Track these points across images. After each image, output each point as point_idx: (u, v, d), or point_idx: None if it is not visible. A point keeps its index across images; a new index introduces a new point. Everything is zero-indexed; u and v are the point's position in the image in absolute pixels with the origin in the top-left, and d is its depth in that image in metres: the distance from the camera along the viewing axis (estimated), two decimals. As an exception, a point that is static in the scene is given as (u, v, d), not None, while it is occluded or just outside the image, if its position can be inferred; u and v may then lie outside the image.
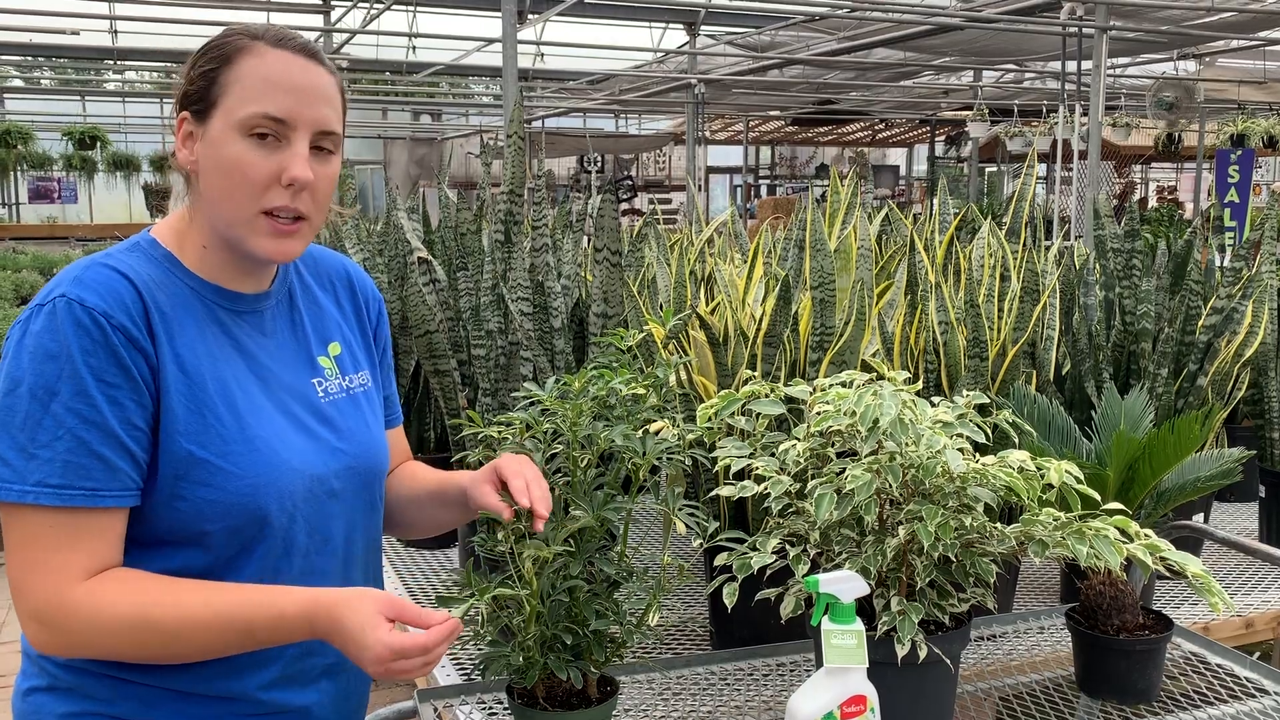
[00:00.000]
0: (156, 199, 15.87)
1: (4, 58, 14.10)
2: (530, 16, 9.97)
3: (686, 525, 1.38)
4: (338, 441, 1.30)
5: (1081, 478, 1.47)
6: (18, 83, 16.48)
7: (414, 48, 12.48)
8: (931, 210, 2.67)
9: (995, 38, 9.49)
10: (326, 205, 1.27)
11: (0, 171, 15.49)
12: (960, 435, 1.51)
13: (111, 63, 14.51)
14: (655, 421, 1.48)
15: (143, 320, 1.15)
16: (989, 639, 1.94)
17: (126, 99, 16.84)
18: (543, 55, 13.49)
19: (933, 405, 1.58)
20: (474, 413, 1.46)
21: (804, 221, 1.98)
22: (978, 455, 1.51)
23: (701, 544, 1.45)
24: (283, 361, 1.29)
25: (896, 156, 23.94)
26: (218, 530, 1.18)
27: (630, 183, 19.43)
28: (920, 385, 1.45)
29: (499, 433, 1.43)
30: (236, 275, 1.27)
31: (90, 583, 1.12)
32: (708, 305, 2.40)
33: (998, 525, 1.48)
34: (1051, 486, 1.44)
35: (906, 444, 1.41)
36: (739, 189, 20.61)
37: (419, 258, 1.92)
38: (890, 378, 1.57)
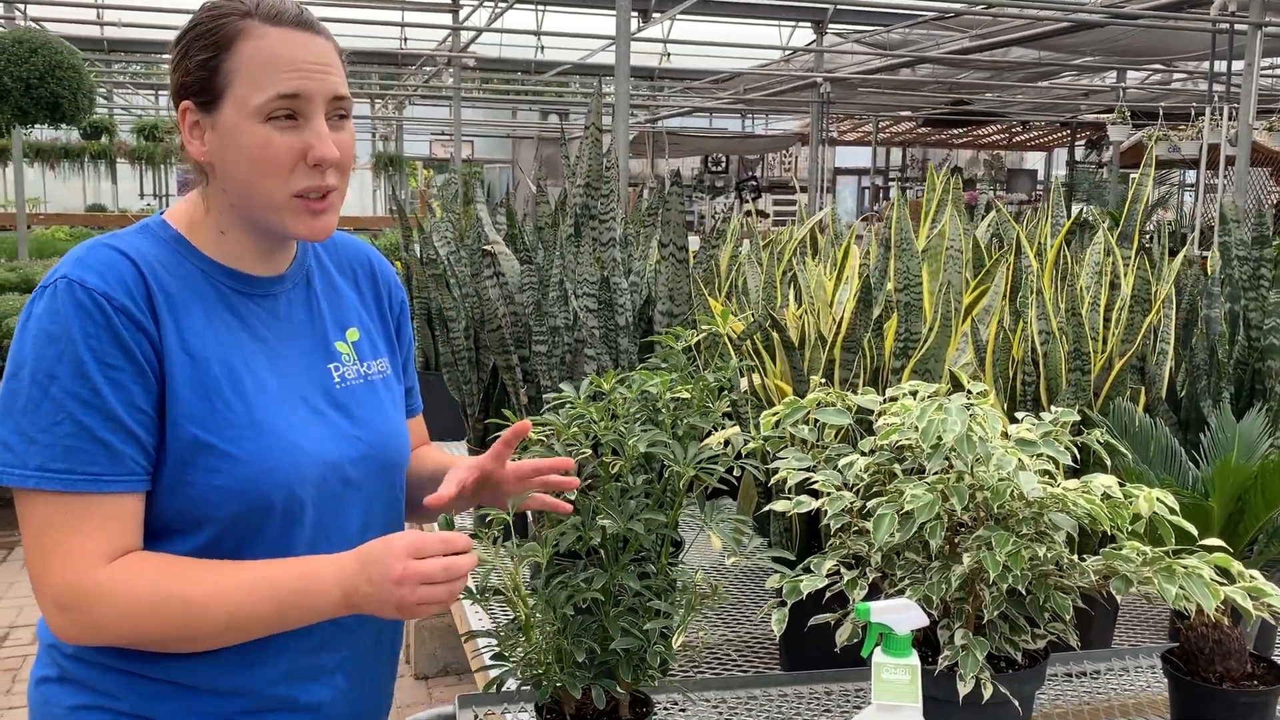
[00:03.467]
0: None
1: (163, 56, 14.74)
2: (655, 15, 9.95)
3: (723, 541, 1.28)
4: (354, 429, 1.26)
5: (1177, 508, 1.32)
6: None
7: (542, 47, 12.62)
8: (1048, 211, 2.50)
9: (1139, 35, 9.03)
10: (350, 168, 1.23)
11: (150, 164, 16.30)
12: (1043, 455, 1.37)
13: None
14: (702, 426, 1.39)
15: (145, 301, 1.12)
16: (1073, 677, 1.78)
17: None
18: (669, 55, 13.46)
19: (1015, 421, 1.44)
20: (509, 412, 1.40)
21: (890, 220, 1.85)
22: (1061, 479, 1.37)
23: (734, 561, 1.35)
24: (297, 346, 1.26)
25: (1034, 160, 23.10)
26: (221, 517, 1.14)
27: (755, 183, 19.24)
28: (992, 398, 1.33)
29: (532, 434, 1.36)
30: (252, 258, 1.23)
31: (110, 566, 1.10)
32: (797, 309, 2.29)
33: (1078, 557, 1.34)
34: (1141, 517, 1.30)
35: (975, 463, 1.29)
36: (866, 191, 20.20)
37: (483, 249, 1.87)
38: (967, 389, 1.44)
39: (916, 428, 1.27)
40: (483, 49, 11.67)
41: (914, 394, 1.39)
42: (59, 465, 1.07)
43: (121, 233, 1.19)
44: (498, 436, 1.33)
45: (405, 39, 12.23)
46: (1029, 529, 1.33)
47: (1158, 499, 1.30)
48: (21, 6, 8.78)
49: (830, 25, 11.00)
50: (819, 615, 1.42)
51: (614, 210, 1.80)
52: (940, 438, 1.22)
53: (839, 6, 10.00)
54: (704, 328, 1.50)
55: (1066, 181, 18.78)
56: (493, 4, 9.40)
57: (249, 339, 1.21)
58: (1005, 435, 1.39)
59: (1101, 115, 15.49)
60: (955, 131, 19.73)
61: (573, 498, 1.33)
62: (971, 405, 1.30)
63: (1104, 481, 1.32)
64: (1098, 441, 1.45)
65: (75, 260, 1.13)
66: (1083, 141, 19.13)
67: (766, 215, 19.39)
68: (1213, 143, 8.31)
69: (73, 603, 1.09)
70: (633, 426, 1.36)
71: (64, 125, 6.53)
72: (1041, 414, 1.46)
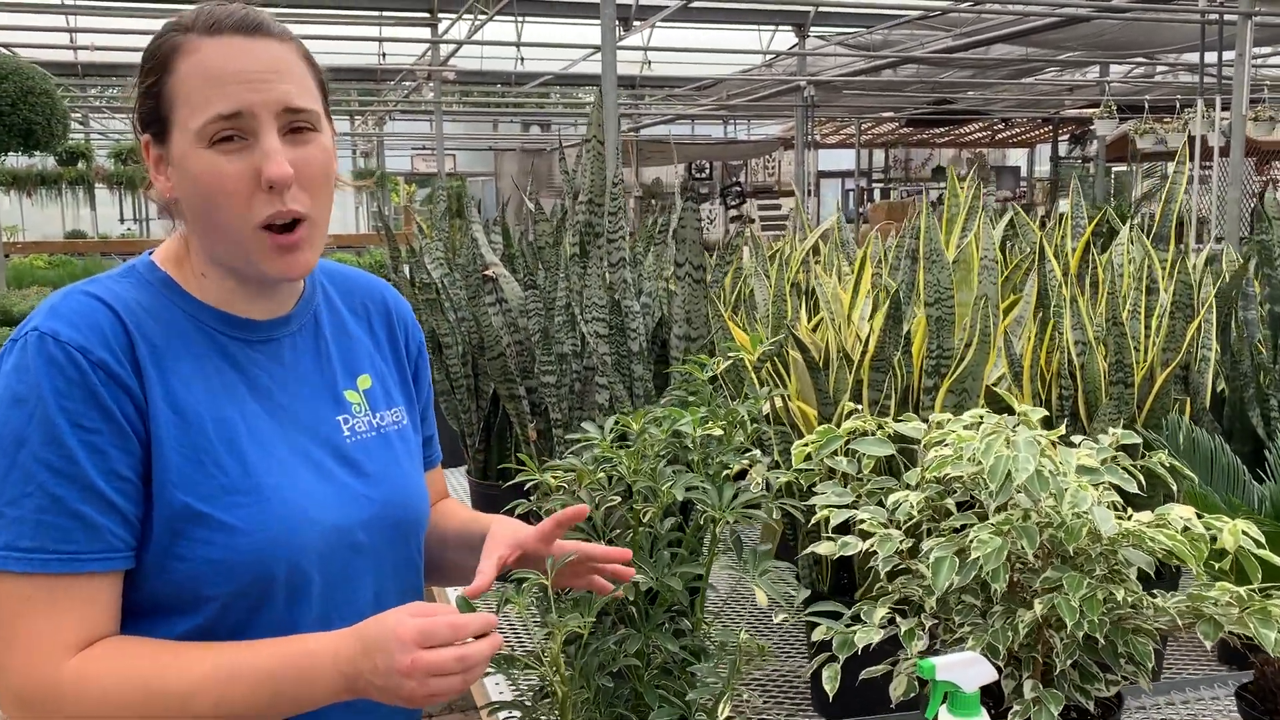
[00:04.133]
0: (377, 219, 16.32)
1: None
2: (635, 23, 9.84)
3: (769, 596, 1.16)
4: (363, 487, 1.13)
5: (1263, 540, 1.20)
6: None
7: (522, 59, 12.50)
8: (1056, 213, 2.38)
9: (1124, 29, 8.97)
10: (327, 192, 1.08)
11: (130, 188, 16.08)
12: (1106, 484, 1.25)
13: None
14: (738, 465, 1.27)
15: (127, 354, 0.99)
16: (1134, 710, 1.66)
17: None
18: (649, 62, 13.36)
19: (1072, 445, 1.32)
20: (526, 456, 1.27)
21: (918, 229, 1.73)
22: (1128, 509, 1.25)
23: (785, 619, 1.22)
24: (301, 396, 1.12)
25: (1017, 157, 23.09)
26: (220, 595, 1.01)
27: (739, 189, 19.16)
28: (1042, 414, 1.21)
29: (554, 479, 1.24)
30: (245, 300, 1.10)
31: (79, 657, 0.96)
32: (809, 322, 2.17)
33: (1156, 594, 1.22)
34: (1226, 552, 1.18)
35: (1045, 500, 1.17)
36: (851, 194, 20.13)
37: (483, 275, 1.75)
38: (1023, 415, 1.32)
39: (979, 463, 1.14)
40: (463, 62, 11.54)
41: (967, 420, 1.27)
42: (27, 543, 0.94)
43: (102, 277, 1.06)
44: (502, 470, 1.21)
45: (384, 54, 12.10)
46: (1100, 567, 1.21)
47: (1243, 532, 1.18)
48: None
49: (812, 28, 10.92)
50: (870, 669, 1.30)
51: (623, 229, 1.68)
52: (1009, 475, 1.09)
53: (820, 9, 9.92)
54: (730, 354, 1.38)
55: (1051, 177, 18.76)
56: (472, 16, 9.28)
57: (247, 391, 1.08)
58: (1050, 456, 1.27)
59: (1085, 110, 15.47)
60: (937, 131, 19.69)
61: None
62: (1037, 435, 1.17)
63: (1181, 513, 1.20)
64: (1163, 466, 1.34)
65: (48, 310, 1.00)
66: (1066, 137, 19.12)
67: (753, 220, 19.31)
68: (1201, 134, 8.25)
69: (37, 699, 0.96)
70: (663, 469, 1.23)
71: (38, 152, 6.39)
72: (1099, 437, 1.35)
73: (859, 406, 1.65)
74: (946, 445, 1.27)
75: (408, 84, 13.41)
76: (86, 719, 0.96)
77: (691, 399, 1.28)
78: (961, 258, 1.81)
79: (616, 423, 1.22)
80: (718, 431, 1.23)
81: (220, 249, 1.06)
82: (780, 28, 11.53)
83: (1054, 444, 1.15)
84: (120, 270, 1.08)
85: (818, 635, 1.28)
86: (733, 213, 19.20)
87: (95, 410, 0.96)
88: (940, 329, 1.76)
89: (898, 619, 1.24)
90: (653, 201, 18.85)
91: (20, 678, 0.96)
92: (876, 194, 20.67)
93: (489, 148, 19.99)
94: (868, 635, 1.20)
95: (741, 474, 1.99)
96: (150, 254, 1.11)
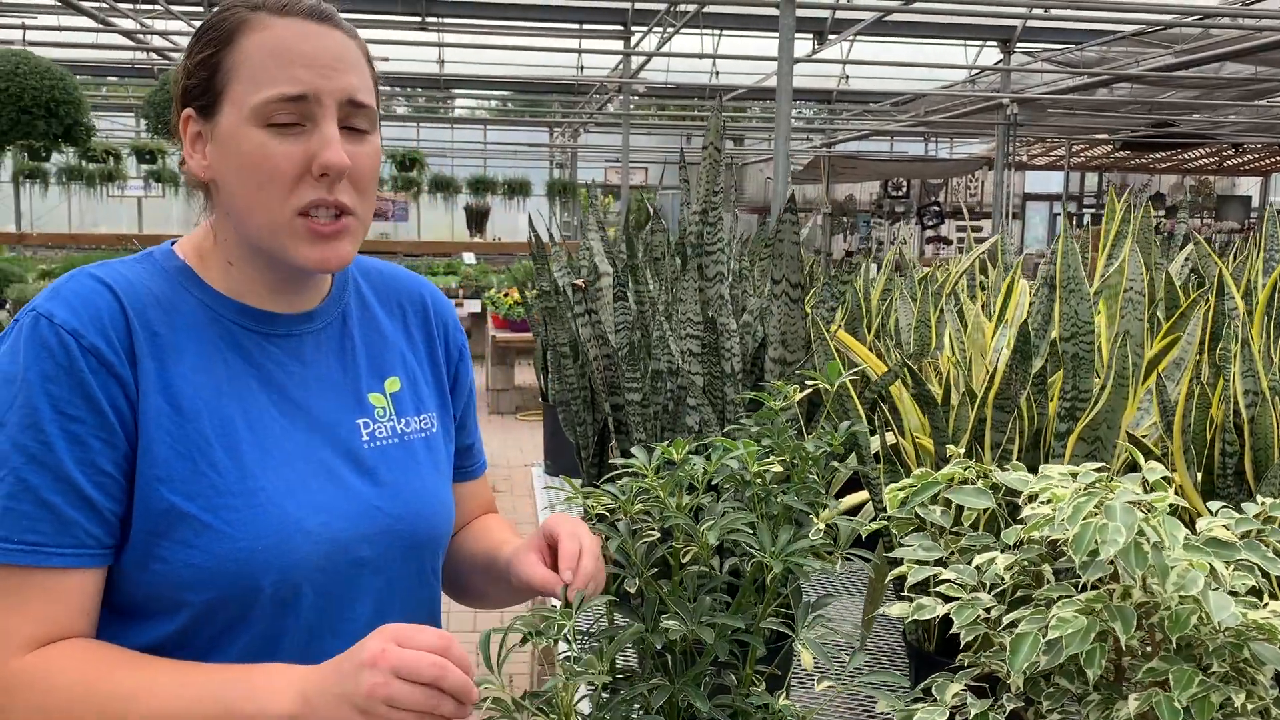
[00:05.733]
0: (476, 219, 16.82)
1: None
2: (831, 36, 9.65)
3: (815, 656, 1.02)
4: (376, 498, 1.06)
5: None
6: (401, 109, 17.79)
7: (717, 72, 12.48)
8: (1260, 243, 2.11)
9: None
10: (372, 194, 1.04)
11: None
12: (1243, 564, 1.05)
13: (438, 91, 15.56)
14: (798, 506, 1.13)
15: (123, 341, 0.96)
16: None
17: (455, 125, 18.02)
18: (847, 77, 13.09)
19: (1210, 514, 1.12)
20: (571, 479, 1.18)
21: (1055, 253, 1.54)
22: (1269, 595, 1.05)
23: (825, 687, 1.08)
24: (320, 395, 1.07)
25: (1249, 186, 21.38)
26: (198, 602, 0.96)
27: (937, 209, 18.53)
28: (1162, 472, 1.02)
29: (594, 505, 1.14)
30: (269, 293, 1.06)
31: (35, 653, 0.92)
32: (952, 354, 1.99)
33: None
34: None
35: (1149, 577, 0.99)
36: (1058, 218, 19.14)
37: (573, 284, 1.67)
38: (1146, 470, 1.13)
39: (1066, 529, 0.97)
40: (653, 75, 11.61)
41: (1061, 472, 1.09)
42: None
43: (114, 261, 1.03)
44: (614, 478, 1.12)
45: (582, 67, 12.32)
46: (1221, 663, 1.02)
47: None
48: (20, 31, 9.20)
49: (1018, 44, 10.41)
50: (942, 750, 1.14)
51: (722, 240, 1.56)
52: (1095, 551, 0.92)
53: (1028, 24, 9.45)
54: (809, 382, 1.25)
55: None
56: (661, 29, 9.31)
57: (259, 387, 1.03)
58: (1192, 529, 1.07)
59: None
60: (1157, 155, 18.47)
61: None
62: (1140, 501, 0.99)
63: (1330, 607, 0.99)
64: (1323, 545, 1.12)
65: (52, 291, 0.98)
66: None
67: (949, 242, 18.63)
68: None
69: None
70: (712, 505, 1.12)
71: (69, 148, 6.83)
72: (1246, 505, 1.14)
73: (966, 448, 1.48)
74: (1046, 503, 1.10)
75: (600, 96, 13.62)
76: (30, 715, 0.91)
77: (756, 429, 1.16)
78: (1108, 287, 1.60)
79: (664, 450, 1.11)
80: (777, 468, 1.10)
81: (254, 231, 1.02)
82: (986, 43, 11.06)
83: (1163, 515, 0.97)
84: (137, 256, 1.05)
85: (882, 707, 1.13)
86: (929, 233, 18.58)
87: (81, 398, 0.93)
88: (1077, 367, 1.56)
89: (970, 700, 1.07)
90: (844, 219, 18.47)
91: None
92: (1085, 219, 19.58)
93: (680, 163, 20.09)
94: (930, 716, 1.04)
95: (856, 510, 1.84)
96: (172, 243, 1.08)
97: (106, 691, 0.91)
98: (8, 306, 8.49)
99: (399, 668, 0.83)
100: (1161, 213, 16.96)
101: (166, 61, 10.69)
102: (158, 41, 10.07)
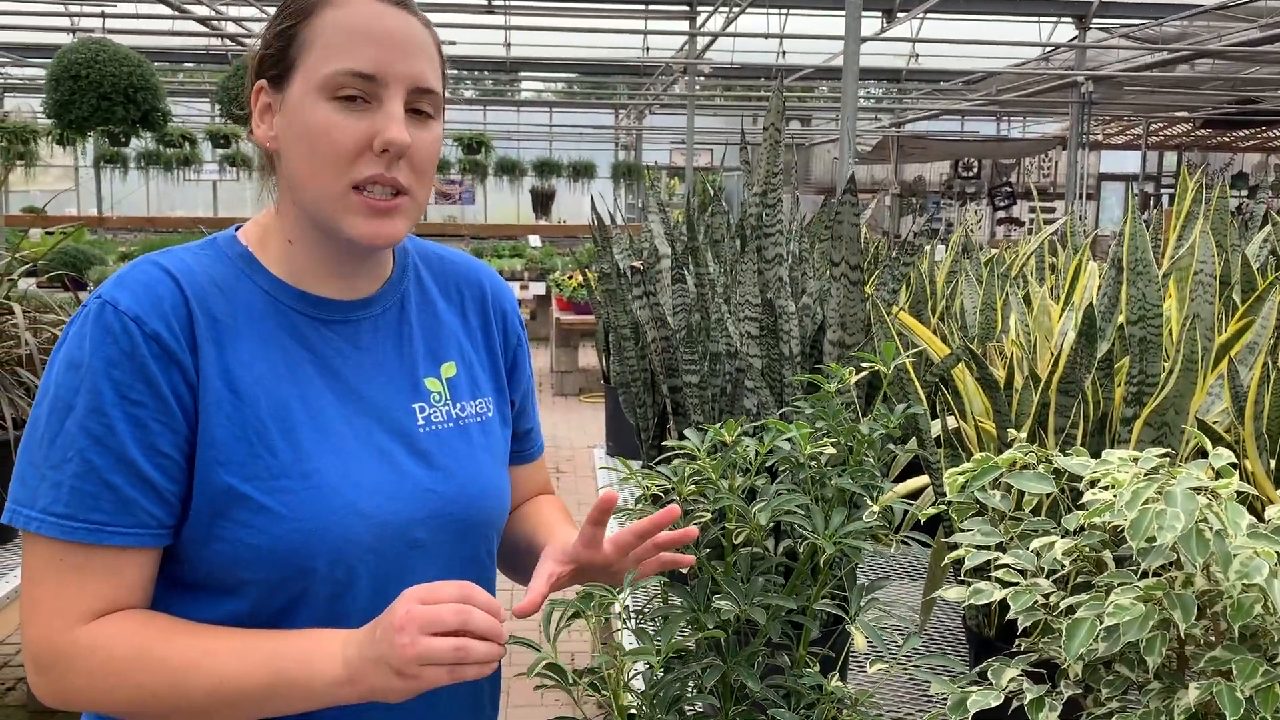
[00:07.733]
0: (541, 201, 16.90)
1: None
2: (900, 14, 9.51)
3: (868, 641, 1.02)
4: (431, 481, 1.08)
5: None
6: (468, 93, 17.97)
7: (784, 52, 12.37)
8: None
9: None
10: (429, 178, 1.05)
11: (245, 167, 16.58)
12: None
13: (504, 74, 15.64)
14: (852, 489, 1.13)
15: (184, 327, 0.98)
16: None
17: (521, 108, 18.11)
18: (917, 56, 12.88)
19: (1270, 504, 1.10)
20: (627, 461, 1.19)
21: (1123, 234, 1.51)
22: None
23: (878, 669, 1.08)
24: (376, 381, 1.08)
25: (1339, 165, 20.62)
26: (258, 581, 0.99)
27: (1010, 189, 18.19)
28: (1254, 463, 0.99)
29: (649, 485, 1.15)
30: (327, 276, 1.08)
31: (93, 624, 0.96)
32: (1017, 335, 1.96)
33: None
34: None
35: (1211, 565, 0.97)
36: (1136, 199, 18.66)
37: (631, 265, 1.67)
38: (1213, 456, 1.11)
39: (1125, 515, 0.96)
40: (718, 55, 11.54)
41: (1121, 456, 1.07)
42: (61, 509, 0.95)
43: (178, 248, 1.06)
44: (667, 459, 1.13)
45: (647, 47, 12.29)
46: (1289, 653, 0.99)
47: None
48: (100, 20, 9.38)
49: (1094, 20, 10.15)
50: (998, 735, 1.13)
51: (781, 222, 1.55)
52: (1153, 538, 0.90)
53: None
54: (865, 365, 1.24)
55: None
56: (727, 9, 9.24)
57: (316, 372, 1.05)
58: (1260, 518, 1.05)
59: None
60: (1241, 134, 17.90)
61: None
62: (1202, 487, 0.97)
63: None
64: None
65: (117, 278, 1.01)
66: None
67: (1021, 224, 18.27)
68: None
69: (50, 663, 0.96)
70: (766, 486, 1.12)
71: (147, 133, 6.99)
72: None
73: (1029, 433, 1.46)
74: (1107, 488, 1.08)
75: (665, 78, 13.58)
76: (87, 682, 0.95)
77: (810, 411, 1.16)
78: (1178, 269, 1.56)
79: (715, 432, 1.11)
80: (830, 450, 1.10)
81: (310, 202, 1.03)
82: (1061, 19, 10.80)
83: (1225, 502, 0.95)
84: (201, 242, 1.08)
85: (935, 689, 1.13)
86: (1000, 214, 18.25)
87: (143, 383, 0.96)
88: (1144, 351, 1.53)
89: (1026, 685, 1.06)
90: (913, 200, 18.21)
91: (37, 642, 0.97)
92: (1165, 200, 19.06)
93: (746, 143, 19.94)
94: (984, 699, 1.04)
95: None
96: (236, 228, 1.11)
97: (164, 657, 0.94)
98: (89, 287, 8.78)
99: (425, 624, 0.88)
100: (1244, 193, 16.43)
101: (240, 48, 10.93)
102: (231, 28, 10.31)
